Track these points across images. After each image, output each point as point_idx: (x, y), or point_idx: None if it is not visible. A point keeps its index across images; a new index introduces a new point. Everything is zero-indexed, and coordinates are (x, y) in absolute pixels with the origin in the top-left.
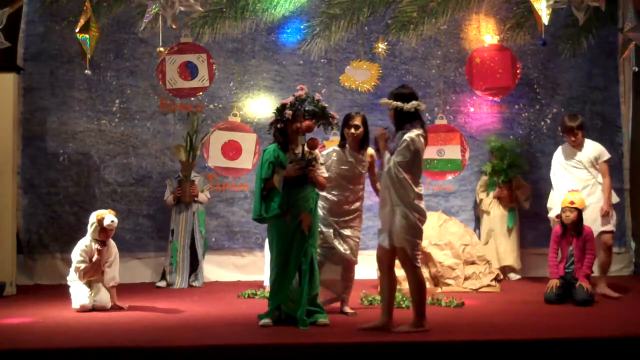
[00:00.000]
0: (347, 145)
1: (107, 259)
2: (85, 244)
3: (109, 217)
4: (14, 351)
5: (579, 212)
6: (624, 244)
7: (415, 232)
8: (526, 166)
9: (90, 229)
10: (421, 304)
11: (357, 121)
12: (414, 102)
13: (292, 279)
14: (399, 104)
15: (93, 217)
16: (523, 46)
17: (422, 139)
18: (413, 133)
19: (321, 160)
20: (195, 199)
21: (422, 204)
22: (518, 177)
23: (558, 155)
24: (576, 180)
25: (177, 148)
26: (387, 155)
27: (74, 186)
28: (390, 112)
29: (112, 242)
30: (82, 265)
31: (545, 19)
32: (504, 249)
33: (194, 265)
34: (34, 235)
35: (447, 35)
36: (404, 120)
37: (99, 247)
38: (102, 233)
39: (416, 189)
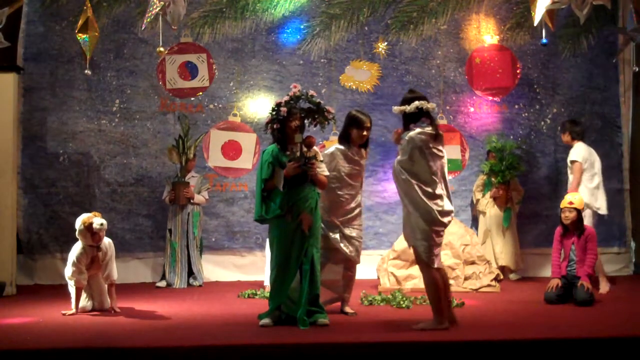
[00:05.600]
0: (350, 144)
1: (104, 259)
2: (79, 252)
3: (97, 220)
4: (14, 351)
5: (578, 212)
6: (624, 244)
7: (422, 233)
8: (523, 168)
9: (79, 236)
10: (436, 303)
11: (369, 123)
12: (416, 103)
13: (292, 279)
14: (402, 107)
15: (79, 223)
16: (523, 46)
17: (422, 136)
18: (413, 132)
19: (320, 158)
20: (191, 200)
21: (437, 203)
22: (515, 179)
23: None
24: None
25: (169, 151)
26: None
27: (74, 186)
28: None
29: (107, 242)
30: (75, 278)
31: (537, 20)
32: (499, 249)
33: (192, 266)
34: (34, 235)
35: (447, 35)
36: (409, 121)
37: (93, 252)
38: (93, 237)
39: (425, 188)
